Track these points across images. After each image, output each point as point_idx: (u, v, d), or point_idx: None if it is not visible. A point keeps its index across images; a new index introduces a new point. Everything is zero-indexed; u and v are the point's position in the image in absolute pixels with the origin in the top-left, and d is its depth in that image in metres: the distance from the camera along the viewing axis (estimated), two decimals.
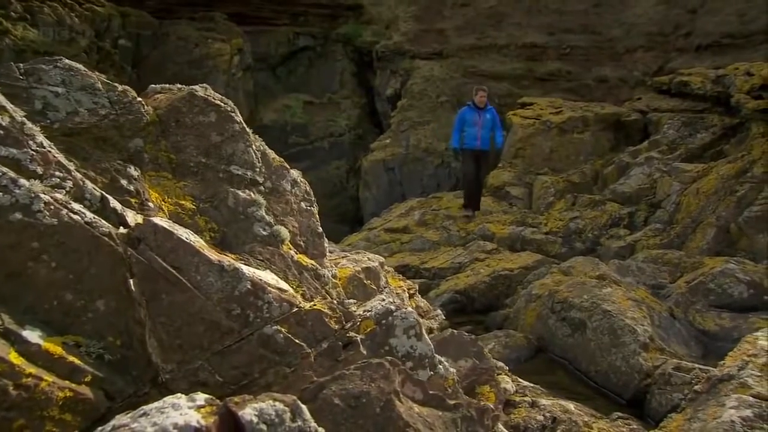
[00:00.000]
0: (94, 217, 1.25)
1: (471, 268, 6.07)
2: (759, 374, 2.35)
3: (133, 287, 1.21)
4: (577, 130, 9.01)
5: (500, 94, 13.38)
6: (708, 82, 7.77)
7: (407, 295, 3.17)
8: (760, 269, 4.36)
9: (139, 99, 1.65)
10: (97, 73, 1.62)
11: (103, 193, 1.34)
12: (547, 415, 2.62)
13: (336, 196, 13.76)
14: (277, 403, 0.90)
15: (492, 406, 1.43)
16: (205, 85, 1.81)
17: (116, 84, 1.65)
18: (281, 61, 14.74)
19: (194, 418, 0.87)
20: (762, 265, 4.54)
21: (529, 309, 4.27)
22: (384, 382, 1.16)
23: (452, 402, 1.27)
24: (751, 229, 5.29)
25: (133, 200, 1.48)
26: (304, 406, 0.93)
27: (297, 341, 1.27)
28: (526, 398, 2.82)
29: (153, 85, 1.84)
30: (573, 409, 2.74)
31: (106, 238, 1.23)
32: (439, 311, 3.36)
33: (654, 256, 4.88)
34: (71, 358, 1.13)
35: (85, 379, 1.13)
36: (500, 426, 1.43)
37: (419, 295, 3.37)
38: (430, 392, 1.27)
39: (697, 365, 3.01)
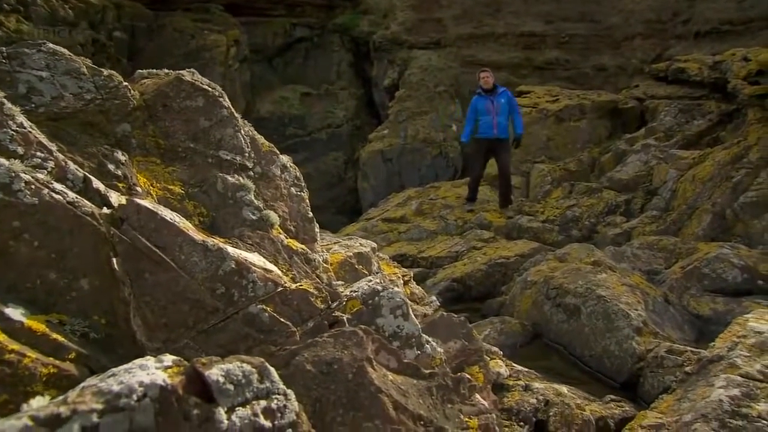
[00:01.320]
0: (76, 197, 1.25)
1: (468, 256, 6.08)
2: (747, 354, 2.36)
3: (116, 266, 1.21)
4: (574, 118, 8.99)
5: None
6: (705, 69, 7.74)
7: (401, 282, 3.18)
8: (754, 254, 4.37)
9: (126, 83, 1.65)
10: (82, 58, 1.61)
11: (86, 173, 1.35)
12: (540, 398, 2.64)
13: (334, 187, 13.76)
14: (244, 365, 0.91)
15: (469, 377, 1.44)
16: (192, 69, 1.80)
17: (101, 68, 1.65)
18: (278, 52, 14.67)
19: (161, 377, 0.88)
20: (756, 250, 4.55)
21: (524, 295, 4.28)
22: (357, 350, 1.18)
23: (427, 371, 1.28)
24: (746, 215, 5.30)
25: (120, 184, 1.49)
26: (272, 368, 0.94)
27: (282, 320, 1.29)
28: (519, 382, 2.84)
29: (140, 71, 1.83)
30: (566, 392, 2.76)
31: (89, 218, 1.24)
32: (434, 298, 3.37)
33: (649, 243, 4.89)
34: (55, 336, 1.14)
35: (69, 356, 1.14)
36: (478, 397, 1.44)
37: (414, 282, 3.38)
38: (405, 361, 1.28)
39: (689, 348, 3.03)
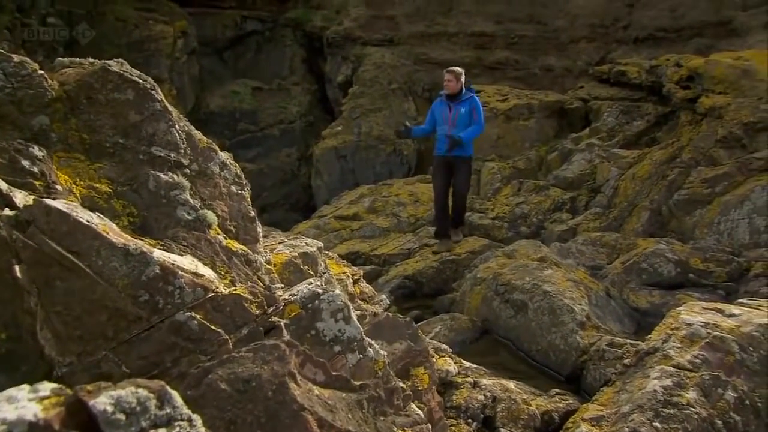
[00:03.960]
0: None
1: (420, 253, 6.12)
2: (679, 346, 2.47)
3: (19, 274, 1.10)
4: (523, 117, 9.22)
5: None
6: (643, 72, 8.11)
7: (351, 281, 3.13)
8: (686, 249, 4.61)
9: (41, 72, 1.52)
10: None
11: None
12: (488, 394, 2.68)
13: (287, 184, 13.53)
14: (140, 390, 0.82)
15: (403, 386, 1.42)
16: (120, 60, 1.68)
17: (12, 54, 1.51)
18: (228, 45, 14.26)
19: (31, 411, 0.77)
20: (688, 245, 4.81)
21: (474, 292, 4.34)
22: (278, 364, 1.12)
23: (357, 383, 1.24)
24: (680, 211, 5.59)
25: (37, 183, 1.37)
26: (174, 392, 0.86)
27: (213, 328, 1.21)
28: (468, 379, 2.87)
29: (60, 59, 1.70)
30: (513, 387, 2.81)
31: None
32: (384, 296, 3.34)
33: (593, 239, 5.06)
34: None
35: None
36: (413, 407, 1.42)
37: (364, 281, 3.34)
38: (333, 373, 1.24)
39: (628, 340, 3.15)
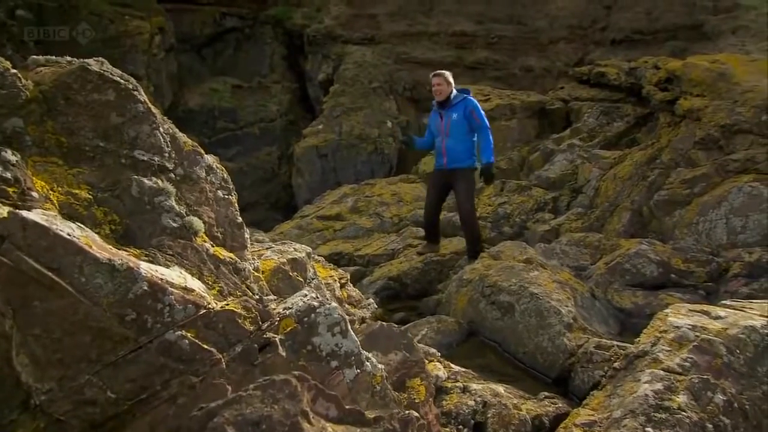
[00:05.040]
0: None
1: (404, 254, 6.08)
2: (668, 349, 2.48)
3: None
4: (505, 118, 9.26)
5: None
6: (622, 74, 8.23)
7: (338, 285, 3.08)
8: (668, 249, 4.68)
9: (14, 71, 1.42)
10: None
11: None
12: (478, 399, 2.65)
13: (267, 183, 13.37)
14: None
15: (417, 415, 1.36)
16: (100, 58, 1.60)
17: None
18: (207, 42, 14.01)
19: None
20: (669, 245, 4.88)
21: (460, 294, 4.32)
22: (289, 402, 1.05)
23: (372, 416, 1.19)
24: (660, 212, 5.67)
25: (10, 189, 1.27)
26: None
27: (205, 347, 1.14)
28: (457, 384, 2.84)
29: (35, 57, 1.60)
30: (503, 392, 2.79)
31: None
32: (371, 300, 3.30)
33: (576, 240, 5.10)
34: None
35: None
36: None
37: (351, 285, 3.29)
38: (347, 407, 1.18)
39: (615, 342, 3.16)
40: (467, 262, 5.05)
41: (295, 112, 14.35)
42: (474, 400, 2.64)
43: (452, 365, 3.15)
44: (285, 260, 2.06)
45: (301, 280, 2.09)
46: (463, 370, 3.16)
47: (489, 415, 2.55)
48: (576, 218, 6.24)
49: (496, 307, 3.90)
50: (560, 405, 2.80)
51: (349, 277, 3.34)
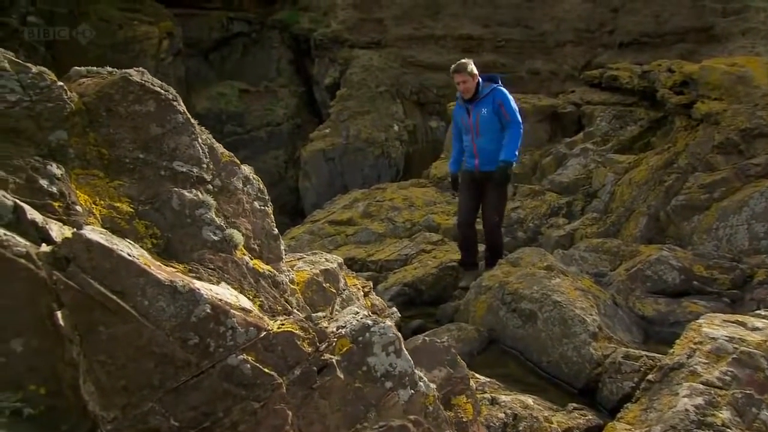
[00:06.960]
0: (4, 234, 0.99)
1: (418, 259, 6.04)
2: (706, 361, 2.43)
3: (61, 321, 0.97)
4: None
5: (438, 85, 13.53)
6: (635, 78, 8.17)
7: (362, 293, 3.04)
8: (688, 255, 4.62)
9: (60, 83, 1.39)
10: (2, 50, 1.34)
11: (17, 200, 1.08)
12: (508, 412, 2.60)
13: (275, 186, 13.35)
14: None
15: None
16: (141, 69, 1.57)
17: (29, 65, 1.38)
18: (214, 46, 14.04)
19: None
20: (689, 252, 4.82)
21: (479, 301, 4.27)
22: None
23: None
24: (677, 217, 5.61)
25: (56, 204, 1.24)
26: None
27: (266, 371, 1.09)
28: (485, 395, 2.80)
29: (77, 68, 1.57)
30: (532, 403, 2.74)
31: (23, 260, 0.98)
32: (394, 309, 3.26)
33: (595, 245, 5.04)
34: None
35: None
36: None
37: (374, 293, 3.25)
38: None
39: (644, 353, 3.11)
40: (484, 269, 4.84)
41: (302, 116, 14.36)
42: (504, 413, 2.59)
43: (478, 375, 3.10)
44: (317, 271, 2.02)
45: (334, 291, 2.05)
46: (489, 380, 3.11)
47: (520, 428, 2.51)
48: (591, 223, 6.19)
49: (517, 315, 3.85)
50: (590, 417, 2.75)
51: (371, 286, 3.30)
